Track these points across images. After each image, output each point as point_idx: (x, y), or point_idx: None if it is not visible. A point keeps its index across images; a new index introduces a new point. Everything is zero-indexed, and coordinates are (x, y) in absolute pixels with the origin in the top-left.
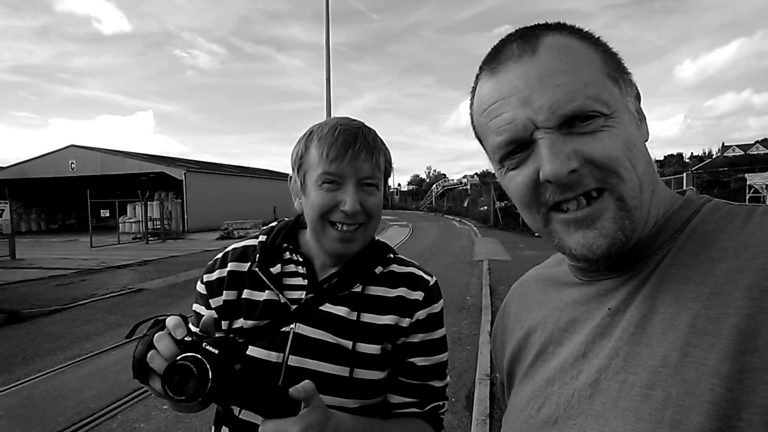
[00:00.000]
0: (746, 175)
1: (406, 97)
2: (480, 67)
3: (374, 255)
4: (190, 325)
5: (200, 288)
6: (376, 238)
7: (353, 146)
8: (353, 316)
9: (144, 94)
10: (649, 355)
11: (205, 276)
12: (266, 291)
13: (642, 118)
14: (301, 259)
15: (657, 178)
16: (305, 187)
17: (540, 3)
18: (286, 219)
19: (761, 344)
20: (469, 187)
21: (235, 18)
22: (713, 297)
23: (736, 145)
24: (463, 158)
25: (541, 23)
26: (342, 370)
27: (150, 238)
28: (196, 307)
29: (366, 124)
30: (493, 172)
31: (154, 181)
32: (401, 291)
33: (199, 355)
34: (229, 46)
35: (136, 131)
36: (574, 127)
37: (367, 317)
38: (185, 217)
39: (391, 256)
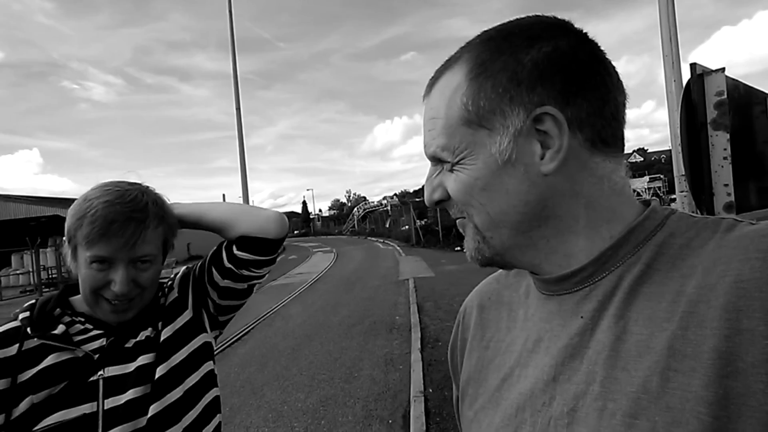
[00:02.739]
0: (629, 181)
1: (320, 123)
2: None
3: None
4: None
5: None
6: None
7: (125, 229)
8: (155, 333)
9: (26, 129)
10: (628, 380)
11: None
12: (50, 356)
13: (546, 147)
14: (83, 318)
15: (553, 209)
16: (77, 260)
17: (439, 30)
18: (50, 293)
19: (742, 367)
20: (389, 208)
21: (132, 48)
22: (688, 317)
23: None
24: (382, 180)
25: (460, 48)
26: (151, 376)
27: (45, 290)
28: None
29: (148, 191)
30: (411, 191)
31: (46, 225)
32: (171, 295)
33: None
34: (127, 77)
35: (19, 172)
36: (440, 164)
37: (167, 329)
38: None
39: (162, 281)
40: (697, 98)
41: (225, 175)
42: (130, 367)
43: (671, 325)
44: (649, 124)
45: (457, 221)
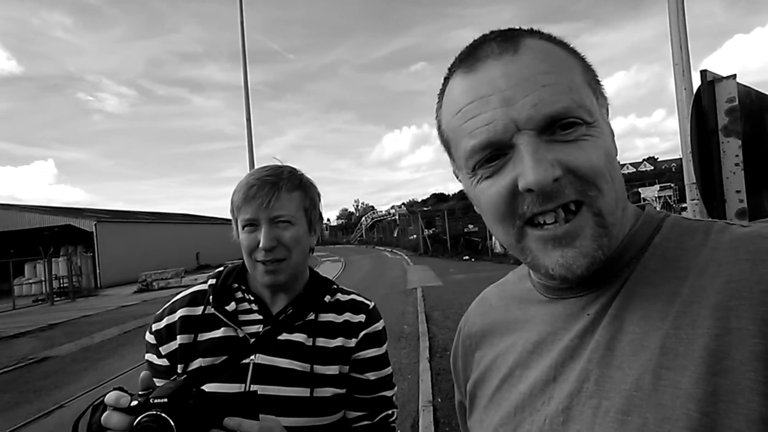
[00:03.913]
0: (639, 189)
1: (328, 133)
2: (450, 68)
3: (321, 287)
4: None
5: (149, 338)
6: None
7: (261, 190)
8: (310, 341)
9: (42, 141)
10: (622, 378)
11: (153, 326)
12: (222, 328)
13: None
14: (252, 297)
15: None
16: (238, 231)
17: (448, 41)
18: (235, 262)
19: (730, 365)
20: (397, 217)
21: (145, 60)
22: (681, 317)
23: (629, 163)
24: (390, 189)
25: (516, 27)
26: (302, 391)
27: (56, 299)
28: (148, 356)
29: (289, 167)
30: (419, 200)
31: (58, 235)
32: (347, 316)
33: (153, 411)
34: (140, 89)
35: (34, 182)
36: (556, 135)
37: (321, 341)
38: (97, 271)
39: (335, 287)
40: (707, 105)
41: (233, 184)
42: (279, 362)
43: (665, 324)
44: (659, 133)
45: (557, 229)
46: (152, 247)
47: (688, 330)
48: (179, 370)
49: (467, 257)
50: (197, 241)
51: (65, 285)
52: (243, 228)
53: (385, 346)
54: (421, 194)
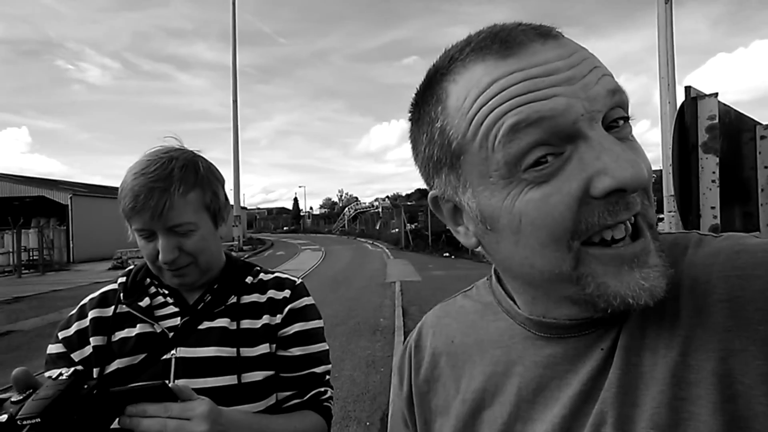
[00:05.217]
0: None
1: (316, 120)
2: (449, 62)
3: (241, 270)
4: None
5: (54, 349)
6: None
7: (149, 199)
8: (233, 325)
9: (15, 107)
10: (639, 416)
11: (60, 333)
12: (138, 325)
13: None
14: (166, 291)
15: None
16: (132, 232)
17: (442, 37)
18: (143, 260)
19: (741, 390)
20: (380, 210)
21: (131, 33)
22: (687, 342)
23: None
24: (375, 181)
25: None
26: (230, 379)
27: (25, 272)
28: (49, 374)
29: (182, 155)
30: (403, 194)
31: (30, 206)
32: (270, 293)
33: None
34: (125, 62)
35: (6, 150)
36: (611, 131)
37: (246, 323)
38: (71, 245)
39: (258, 268)
40: (689, 121)
41: (217, 167)
42: (202, 352)
43: (671, 352)
44: (642, 143)
45: (631, 247)
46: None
47: (696, 356)
48: (95, 375)
49: (447, 254)
50: None
51: (35, 258)
52: (138, 236)
53: (315, 322)
54: (406, 189)
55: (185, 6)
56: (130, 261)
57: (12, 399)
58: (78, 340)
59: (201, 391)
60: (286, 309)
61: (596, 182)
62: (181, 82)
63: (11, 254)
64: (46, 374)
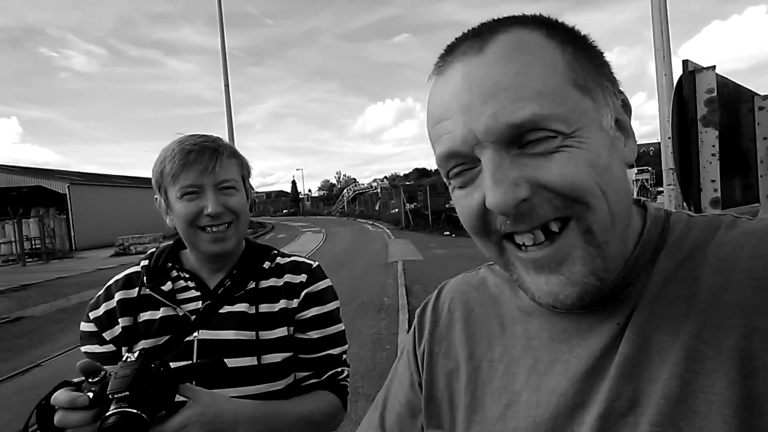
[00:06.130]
0: None
1: (310, 102)
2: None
3: (259, 255)
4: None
5: (87, 327)
6: (266, 242)
7: (202, 156)
8: (252, 310)
9: (4, 97)
10: (651, 389)
11: (90, 314)
12: (161, 309)
13: (626, 135)
14: (188, 275)
15: (632, 207)
16: (169, 204)
17: (432, 13)
18: (166, 243)
19: (761, 366)
20: (379, 190)
21: (115, 18)
22: (704, 318)
23: None
24: (372, 162)
25: (505, 17)
26: (250, 360)
27: (28, 260)
28: (87, 348)
29: (218, 137)
30: (401, 174)
31: (28, 196)
32: (287, 278)
33: (118, 408)
34: (110, 48)
35: None
36: (525, 147)
37: (264, 307)
38: (72, 234)
39: (275, 252)
40: (688, 95)
41: None
42: (222, 335)
43: (687, 327)
44: (639, 116)
45: (542, 253)
46: (129, 211)
47: (714, 331)
48: (124, 353)
49: (448, 233)
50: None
51: (37, 246)
52: (180, 197)
53: (331, 304)
54: (404, 168)
55: None
56: (131, 247)
57: (90, 380)
58: (108, 320)
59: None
60: (303, 293)
61: (486, 199)
62: (171, 68)
63: (13, 243)
64: (121, 359)
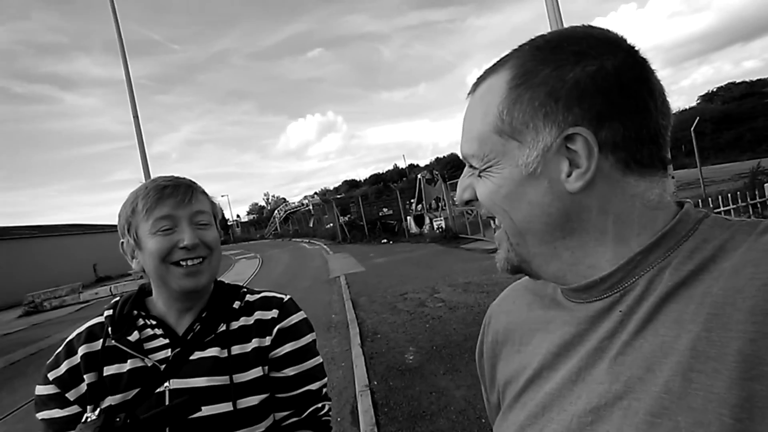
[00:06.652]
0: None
1: (227, 125)
2: None
3: (228, 295)
4: None
5: (45, 390)
6: (222, 279)
7: (177, 189)
8: (224, 353)
9: None
10: (651, 380)
11: (50, 374)
12: (129, 360)
13: (576, 165)
14: (155, 322)
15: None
16: (140, 242)
17: (342, 26)
18: (130, 291)
19: (767, 371)
20: (311, 207)
21: None
22: (713, 319)
23: None
24: (300, 179)
25: (514, 49)
26: (225, 407)
27: None
28: (44, 415)
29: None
30: (331, 188)
31: None
32: (258, 315)
33: None
34: None
35: None
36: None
37: (236, 349)
38: None
39: (244, 290)
40: None
41: (127, 188)
42: (194, 382)
43: (696, 326)
44: None
45: (495, 233)
46: (38, 264)
47: (721, 333)
48: (89, 412)
49: (385, 240)
50: (93, 252)
51: None
52: (154, 232)
53: (306, 338)
54: (333, 182)
55: (51, 17)
56: (45, 303)
57: None
58: (71, 379)
59: (198, 421)
60: (275, 330)
61: None
62: (69, 103)
63: None
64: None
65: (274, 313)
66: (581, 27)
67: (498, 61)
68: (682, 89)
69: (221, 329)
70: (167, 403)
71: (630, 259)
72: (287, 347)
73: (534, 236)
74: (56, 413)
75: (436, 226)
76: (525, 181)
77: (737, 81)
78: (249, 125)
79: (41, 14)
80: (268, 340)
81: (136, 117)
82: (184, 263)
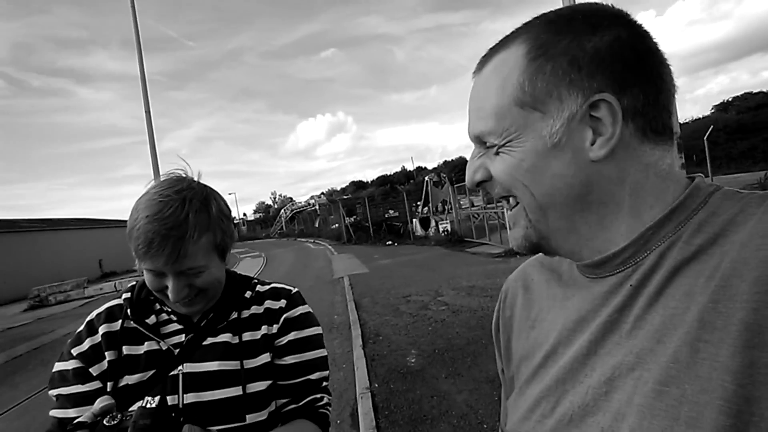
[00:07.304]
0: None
1: (237, 123)
2: None
3: (240, 285)
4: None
5: (68, 365)
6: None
7: (165, 246)
8: (236, 339)
9: None
10: (661, 351)
11: (73, 350)
12: (145, 343)
13: (600, 132)
14: (170, 309)
15: (589, 201)
16: (140, 265)
17: (357, 27)
18: (143, 277)
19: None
20: (317, 207)
21: (9, 45)
22: (720, 290)
23: None
24: (308, 179)
25: (524, 24)
26: (235, 390)
27: None
28: (61, 390)
29: (189, 198)
30: (338, 189)
31: None
32: (267, 303)
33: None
34: (7, 78)
35: None
36: (485, 147)
37: (247, 336)
38: None
39: (255, 281)
40: None
41: (136, 183)
42: (207, 366)
43: (704, 298)
44: None
45: (508, 214)
46: (45, 257)
47: (727, 303)
48: (109, 388)
49: (390, 242)
50: (99, 247)
51: None
52: (147, 272)
53: (310, 329)
54: (340, 183)
55: (72, 13)
56: (50, 297)
57: (105, 423)
58: (94, 355)
59: (209, 404)
60: (282, 318)
61: None
62: (83, 97)
63: None
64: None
65: (282, 302)
66: (587, 3)
67: (506, 38)
68: (697, 98)
69: (233, 317)
70: (181, 385)
71: (641, 234)
72: (291, 336)
73: (555, 210)
74: (76, 389)
75: (441, 229)
76: (549, 152)
77: (754, 91)
78: (259, 124)
79: (62, 9)
80: (275, 328)
81: (148, 112)
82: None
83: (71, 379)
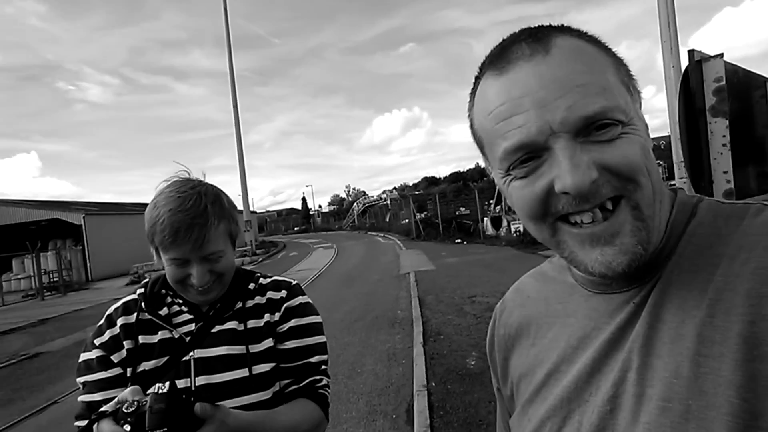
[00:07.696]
0: None
1: (317, 118)
2: (481, 68)
3: (244, 277)
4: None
5: (92, 354)
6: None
7: (191, 233)
8: (241, 326)
9: (23, 133)
10: (662, 366)
11: (96, 341)
12: (159, 332)
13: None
14: (181, 300)
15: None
16: (160, 258)
17: (436, 20)
18: (159, 272)
19: (766, 351)
20: (389, 202)
21: (127, 48)
22: (715, 304)
23: None
24: (381, 174)
25: (546, 24)
26: (242, 372)
27: (47, 293)
28: (87, 378)
29: (204, 192)
30: (410, 184)
31: (46, 229)
32: (269, 294)
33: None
34: (123, 78)
35: (18, 176)
36: (590, 136)
37: (251, 323)
38: (88, 265)
39: (258, 274)
40: (695, 85)
41: (223, 174)
42: (216, 351)
43: (700, 312)
44: (648, 110)
45: (597, 228)
46: (142, 239)
47: (723, 317)
48: (128, 374)
49: (459, 240)
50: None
51: (55, 279)
52: (169, 263)
53: (309, 318)
54: (413, 178)
55: (177, 16)
56: (146, 274)
57: (125, 409)
58: (114, 344)
59: (219, 385)
60: (283, 307)
61: (556, 184)
62: (179, 92)
63: (32, 278)
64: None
65: (283, 293)
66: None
67: (550, 27)
68: None
69: (238, 306)
70: (192, 370)
71: (657, 254)
72: (291, 323)
73: (659, 200)
74: (100, 375)
75: (513, 230)
76: (647, 135)
77: None
78: (337, 118)
79: (169, 13)
80: (277, 316)
81: (235, 107)
82: (196, 288)
83: (95, 367)
